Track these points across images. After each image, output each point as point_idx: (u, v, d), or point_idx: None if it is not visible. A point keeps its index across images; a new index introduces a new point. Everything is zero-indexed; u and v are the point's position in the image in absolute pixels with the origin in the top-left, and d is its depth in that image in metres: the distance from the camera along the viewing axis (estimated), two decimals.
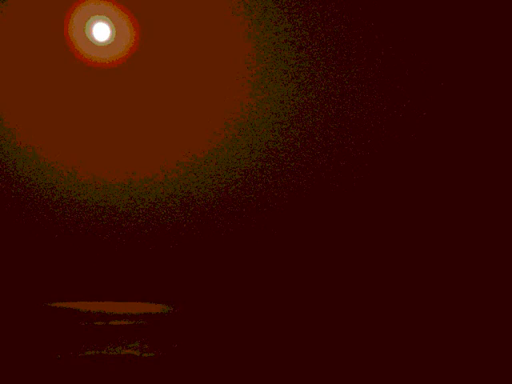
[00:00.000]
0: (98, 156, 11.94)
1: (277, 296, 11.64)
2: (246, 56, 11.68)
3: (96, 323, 9.98)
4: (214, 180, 11.92)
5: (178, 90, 11.92)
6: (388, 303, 11.41)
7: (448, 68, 11.69)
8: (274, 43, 11.65)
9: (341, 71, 11.69)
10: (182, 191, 11.96)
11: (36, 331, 9.33)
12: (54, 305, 11.43)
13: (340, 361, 7.74)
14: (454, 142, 11.69)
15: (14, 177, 11.89)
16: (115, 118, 11.94)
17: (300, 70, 11.73)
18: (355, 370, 7.16)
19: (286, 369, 7.29)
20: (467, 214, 11.60)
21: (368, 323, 10.21)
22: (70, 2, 11.55)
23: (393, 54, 11.64)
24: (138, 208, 11.95)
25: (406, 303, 11.35)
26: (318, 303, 11.51)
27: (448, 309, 11.09)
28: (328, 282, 11.68)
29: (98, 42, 11.74)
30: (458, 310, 11.02)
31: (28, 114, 11.89)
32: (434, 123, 11.78)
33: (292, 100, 11.80)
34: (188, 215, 11.97)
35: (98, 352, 7.95)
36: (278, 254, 11.86)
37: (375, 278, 11.61)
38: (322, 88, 11.74)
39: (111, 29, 11.69)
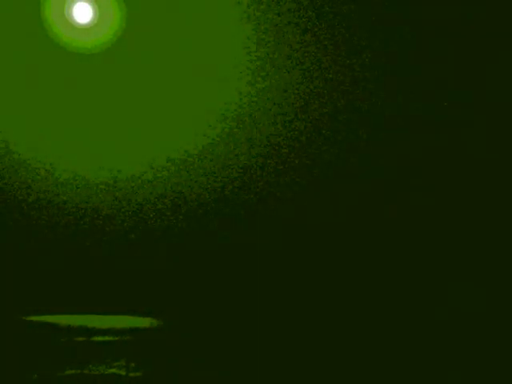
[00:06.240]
0: (79, 151, 11.75)
1: (273, 310, 11.48)
2: (245, 39, 11.66)
3: (77, 339, 10.08)
4: (208, 179, 11.86)
5: (168, 78, 11.74)
6: (387, 303, 11.49)
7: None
8: (277, 25, 11.63)
9: (351, 56, 11.59)
10: (174, 191, 11.88)
11: (10, 348, 9.37)
12: (30, 319, 11.29)
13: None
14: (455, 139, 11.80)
15: None
16: (98, 109, 11.73)
17: (305, 55, 11.69)
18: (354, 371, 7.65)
19: None
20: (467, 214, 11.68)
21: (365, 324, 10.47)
22: None
23: (408, 36, 11.49)
24: (123, 210, 11.85)
25: (406, 303, 11.45)
26: (316, 316, 11.43)
27: (447, 309, 11.28)
28: (330, 289, 11.59)
29: (79, 24, 11.61)
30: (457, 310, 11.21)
31: (1, 104, 11.64)
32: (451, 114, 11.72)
33: (296, 89, 11.76)
34: (180, 218, 11.84)
35: (79, 371, 8.18)
36: (282, 263, 11.62)
37: (375, 278, 11.61)
38: (330, 75, 11.68)
39: (94, 10, 11.59)
